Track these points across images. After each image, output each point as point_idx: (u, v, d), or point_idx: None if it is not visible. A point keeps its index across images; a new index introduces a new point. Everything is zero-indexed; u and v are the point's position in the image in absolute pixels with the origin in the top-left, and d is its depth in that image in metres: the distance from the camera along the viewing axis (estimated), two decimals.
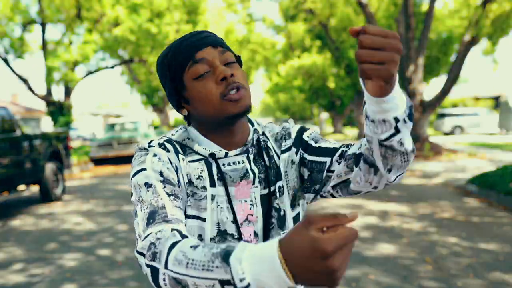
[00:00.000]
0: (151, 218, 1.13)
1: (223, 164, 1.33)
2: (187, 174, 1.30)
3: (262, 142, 1.40)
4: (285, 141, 1.42)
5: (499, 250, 5.70)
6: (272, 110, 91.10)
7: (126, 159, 19.49)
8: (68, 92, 22.99)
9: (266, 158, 1.38)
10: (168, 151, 1.30)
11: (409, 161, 1.18)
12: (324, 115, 52.94)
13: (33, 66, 47.19)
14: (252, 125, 1.43)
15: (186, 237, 1.05)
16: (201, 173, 1.30)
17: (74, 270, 5.41)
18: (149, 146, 1.31)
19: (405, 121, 1.08)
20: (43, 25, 21.18)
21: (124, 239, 6.74)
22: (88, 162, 18.78)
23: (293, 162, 1.40)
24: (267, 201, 1.34)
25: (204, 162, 1.32)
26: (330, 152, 1.36)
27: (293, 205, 1.39)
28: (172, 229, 1.08)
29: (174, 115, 40.78)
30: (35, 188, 11.04)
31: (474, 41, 17.26)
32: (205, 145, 1.34)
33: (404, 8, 17.18)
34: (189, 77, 1.29)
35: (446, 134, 31.66)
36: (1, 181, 8.29)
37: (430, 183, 11.05)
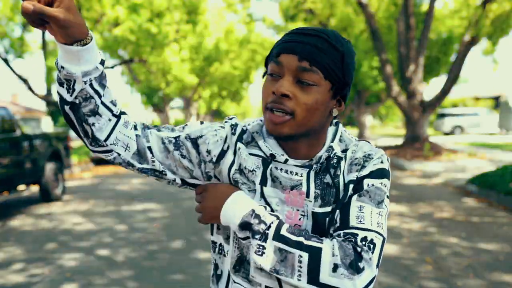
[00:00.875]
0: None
1: (280, 169, 1.31)
2: (240, 164, 1.33)
3: (334, 160, 1.32)
4: (357, 172, 1.31)
5: (499, 250, 5.70)
6: None
7: None
8: None
9: (327, 179, 1.32)
10: (234, 134, 1.36)
11: None
12: None
13: (33, 66, 47.17)
14: (332, 140, 1.34)
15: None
16: (256, 168, 1.32)
17: (74, 270, 5.40)
18: (225, 122, 1.39)
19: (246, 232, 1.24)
20: None
21: (123, 239, 6.73)
22: (88, 162, 18.77)
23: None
24: (319, 220, 1.29)
25: (262, 160, 1.32)
26: (344, 223, 1.25)
27: None
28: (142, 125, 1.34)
29: (174, 115, 40.88)
30: (35, 188, 11.03)
31: (474, 41, 17.25)
32: (269, 144, 1.33)
33: (404, 8, 17.17)
34: (268, 69, 1.29)
35: (446, 134, 31.67)
36: (1, 181, 8.28)
37: (430, 183, 11.04)
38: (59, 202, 10.00)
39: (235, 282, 1.36)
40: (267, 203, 1.30)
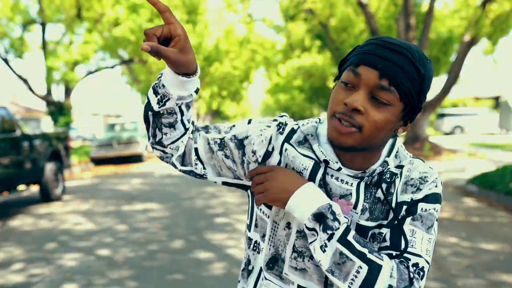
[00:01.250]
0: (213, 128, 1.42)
1: (331, 175, 1.30)
2: (286, 164, 1.33)
3: (387, 175, 1.30)
4: (412, 194, 1.30)
5: (499, 250, 5.69)
6: (272, 110, 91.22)
7: (126, 159, 19.45)
8: (68, 92, 22.97)
9: (379, 193, 1.31)
10: (281, 134, 1.35)
11: None
12: (324, 115, 52.88)
13: (33, 66, 47.18)
14: (388, 155, 1.32)
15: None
16: (304, 169, 1.31)
17: (74, 270, 5.40)
18: (273, 120, 1.38)
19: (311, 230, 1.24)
20: (43, 25, 21.15)
21: (123, 239, 6.72)
22: (88, 162, 18.77)
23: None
24: (361, 232, 1.29)
25: (314, 163, 1.31)
26: (395, 245, 1.26)
27: None
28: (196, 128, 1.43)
29: None
30: (35, 188, 11.03)
31: (474, 41, 17.24)
32: (324, 150, 1.31)
33: (404, 8, 17.16)
34: (342, 75, 1.25)
35: (446, 134, 31.62)
36: (1, 181, 8.28)
37: None
38: (59, 202, 10.00)
39: (266, 279, 1.38)
40: None
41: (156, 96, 1.29)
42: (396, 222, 1.27)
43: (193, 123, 1.39)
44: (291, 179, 1.26)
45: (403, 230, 1.25)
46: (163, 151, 1.38)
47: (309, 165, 1.30)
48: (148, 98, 1.32)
